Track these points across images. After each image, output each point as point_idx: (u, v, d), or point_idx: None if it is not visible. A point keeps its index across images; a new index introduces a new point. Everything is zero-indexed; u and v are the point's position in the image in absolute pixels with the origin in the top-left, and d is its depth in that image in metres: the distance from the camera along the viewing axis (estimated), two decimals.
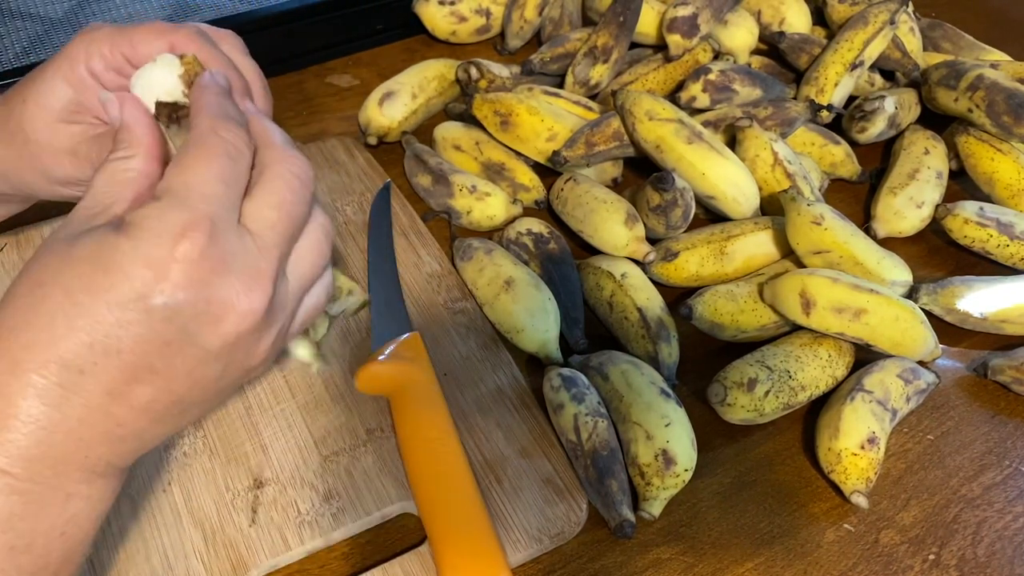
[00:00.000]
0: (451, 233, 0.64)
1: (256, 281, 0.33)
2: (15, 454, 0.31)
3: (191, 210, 0.32)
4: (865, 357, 0.55)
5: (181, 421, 0.35)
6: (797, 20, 0.77)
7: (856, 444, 0.49)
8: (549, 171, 0.67)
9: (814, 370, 0.53)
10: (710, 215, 0.65)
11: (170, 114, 0.38)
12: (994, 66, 0.72)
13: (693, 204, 0.60)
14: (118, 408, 0.32)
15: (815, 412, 0.54)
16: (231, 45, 0.42)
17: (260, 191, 0.34)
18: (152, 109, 0.38)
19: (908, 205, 0.64)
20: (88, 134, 0.43)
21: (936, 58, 0.77)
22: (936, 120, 0.72)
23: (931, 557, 0.48)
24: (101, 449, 0.33)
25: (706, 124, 0.67)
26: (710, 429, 0.53)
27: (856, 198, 0.70)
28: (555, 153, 0.65)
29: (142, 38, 0.40)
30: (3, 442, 0.31)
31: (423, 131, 0.72)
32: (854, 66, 0.71)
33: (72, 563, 0.34)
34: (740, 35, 0.74)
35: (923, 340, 0.54)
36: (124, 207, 0.34)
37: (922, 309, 0.56)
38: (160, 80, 0.38)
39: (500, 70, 0.73)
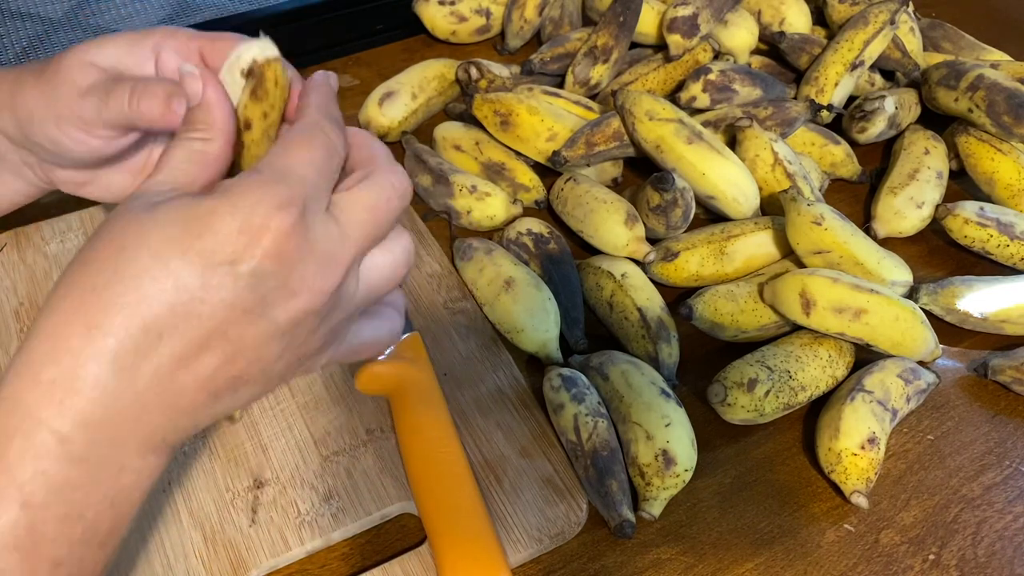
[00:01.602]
0: (451, 233, 0.64)
1: (330, 265, 0.35)
2: (78, 420, 0.31)
3: (289, 188, 0.33)
4: (865, 357, 0.55)
5: (232, 403, 0.35)
6: (797, 20, 0.77)
7: (856, 444, 0.49)
8: (549, 171, 0.67)
9: (814, 370, 0.53)
10: (710, 215, 0.65)
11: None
12: (994, 66, 0.72)
13: (693, 204, 0.60)
14: (184, 376, 0.32)
15: (815, 412, 0.54)
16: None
17: (360, 190, 0.37)
18: (237, 80, 0.38)
19: (908, 205, 0.64)
20: (103, 77, 0.43)
21: (936, 58, 0.77)
22: (936, 120, 0.72)
23: (931, 557, 0.48)
24: (159, 419, 0.33)
25: (706, 124, 0.67)
26: (710, 429, 0.53)
27: (856, 198, 0.70)
28: (555, 153, 0.65)
29: (224, 39, 0.42)
30: (68, 407, 0.31)
31: (423, 131, 0.72)
32: (854, 66, 0.71)
33: (117, 534, 0.34)
34: (740, 35, 0.74)
35: (923, 340, 0.54)
36: (199, 188, 0.35)
37: (922, 309, 0.56)
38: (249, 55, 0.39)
39: (500, 70, 0.73)
